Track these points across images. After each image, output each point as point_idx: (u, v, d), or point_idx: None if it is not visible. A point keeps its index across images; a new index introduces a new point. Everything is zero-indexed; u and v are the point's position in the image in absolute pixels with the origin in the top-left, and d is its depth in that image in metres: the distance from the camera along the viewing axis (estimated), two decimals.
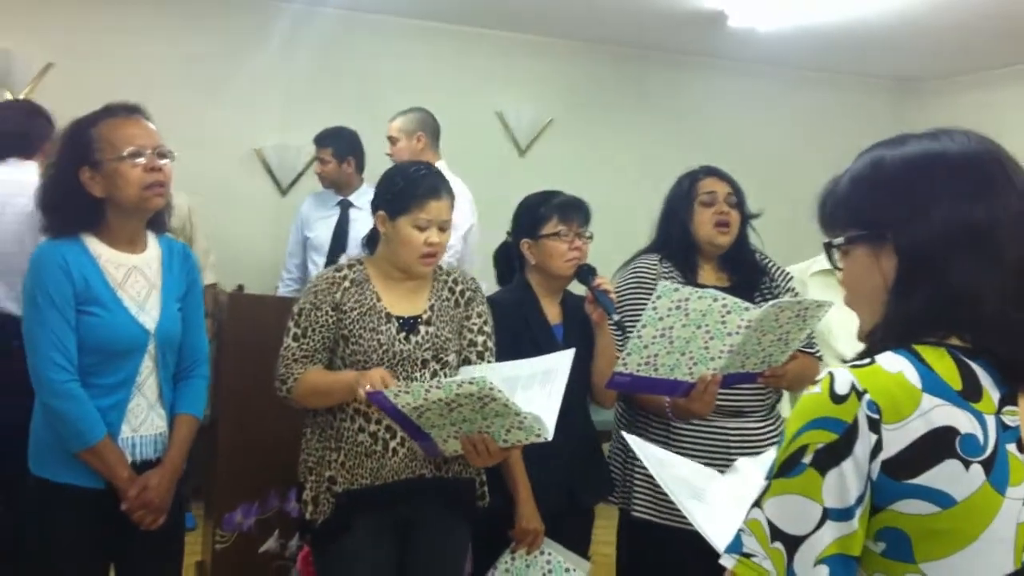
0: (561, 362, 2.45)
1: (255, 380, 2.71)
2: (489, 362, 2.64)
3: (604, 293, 2.76)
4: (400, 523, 2.55)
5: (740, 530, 1.24)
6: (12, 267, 3.57)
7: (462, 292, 2.66)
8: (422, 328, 2.55)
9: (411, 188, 2.54)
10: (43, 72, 5.22)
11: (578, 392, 2.82)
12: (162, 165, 2.44)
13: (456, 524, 2.62)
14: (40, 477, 2.44)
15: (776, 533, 1.21)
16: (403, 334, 2.53)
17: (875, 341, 1.30)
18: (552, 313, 2.88)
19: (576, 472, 2.83)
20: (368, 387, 2.30)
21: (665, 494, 2.77)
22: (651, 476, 2.80)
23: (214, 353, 2.97)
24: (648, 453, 2.16)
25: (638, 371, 2.53)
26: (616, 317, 2.77)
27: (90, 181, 2.41)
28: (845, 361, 1.29)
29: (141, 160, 2.40)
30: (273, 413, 2.70)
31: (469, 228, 3.92)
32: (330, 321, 2.52)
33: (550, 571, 2.76)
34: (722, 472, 2.20)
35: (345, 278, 2.56)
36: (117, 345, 2.42)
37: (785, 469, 1.22)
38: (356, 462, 2.49)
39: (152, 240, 2.55)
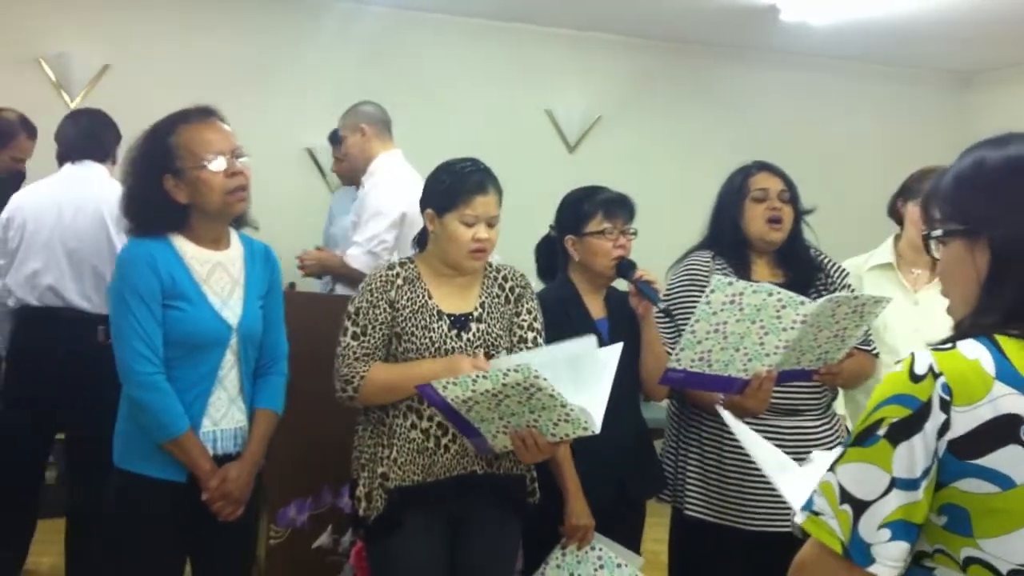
0: (608, 357, 2.43)
1: (308, 377, 2.72)
2: None
3: (647, 284, 2.74)
4: (452, 519, 2.56)
5: (814, 491, 1.36)
6: (85, 264, 3.70)
7: (512, 289, 2.66)
8: (473, 325, 2.56)
9: (457, 185, 2.54)
10: (100, 74, 5.31)
11: (627, 386, 2.81)
12: (242, 168, 2.47)
13: (507, 520, 2.63)
14: (124, 469, 2.48)
15: (845, 496, 1.32)
16: (454, 331, 2.53)
17: (963, 328, 1.39)
18: (595, 309, 2.87)
19: (626, 466, 2.81)
20: (471, 372, 2.31)
21: (718, 493, 2.79)
22: (704, 475, 2.82)
23: None
24: (740, 428, 2.16)
25: (691, 367, 2.50)
26: (662, 305, 2.76)
27: (174, 188, 2.44)
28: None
29: (222, 166, 2.43)
30: (326, 410, 2.71)
31: (401, 216, 3.87)
32: (387, 318, 2.53)
33: (601, 566, 2.76)
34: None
35: (398, 276, 2.57)
36: (200, 339, 2.45)
37: (861, 439, 1.33)
38: (408, 459, 2.50)
39: (235, 238, 2.59)
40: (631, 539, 2.88)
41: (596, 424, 2.30)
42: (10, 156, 4.31)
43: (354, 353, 2.52)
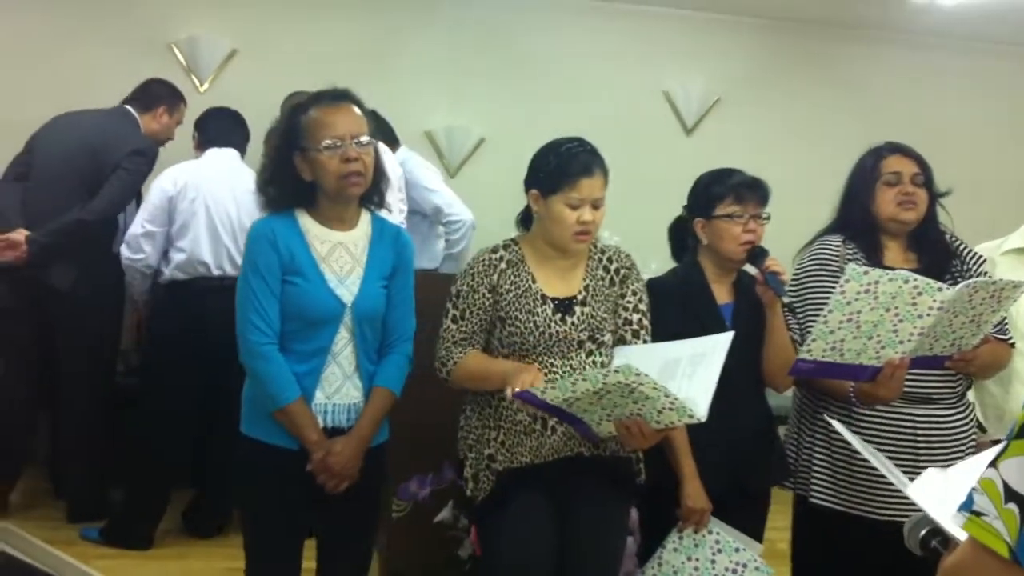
0: (718, 344, 2.40)
1: (427, 354, 2.76)
2: (645, 341, 2.62)
3: (775, 275, 2.69)
4: (559, 500, 2.56)
5: (973, 488, 1.23)
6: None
7: (617, 270, 2.64)
8: (577, 309, 2.55)
9: (564, 167, 2.52)
10: (228, 58, 5.46)
11: (749, 375, 2.78)
12: (359, 155, 2.51)
13: (614, 500, 2.62)
14: (247, 436, 2.58)
15: (1011, 494, 1.19)
16: (559, 315, 2.53)
17: None
18: (721, 293, 2.83)
19: (744, 456, 2.77)
20: (517, 387, 2.32)
21: (846, 481, 2.74)
22: (831, 462, 2.77)
23: None
24: (852, 438, 2.11)
25: (823, 357, 2.46)
26: (787, 300, 2.71)
27: (301, 164, 2.53)
28: None
29: (338, 151, 2.48)
30: (447, 387, 2.75)
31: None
32: (487, 303, 2.55)
33: (719, 550, 2.74)
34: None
35: (502, 259, 2.58)
36: (313, 314, 2.52)
37: None
38: (515, 440, 2.52)
39: (365, 218, 2.64)
40: (752, 528, 2.84)
41: (702, 411, 2.27)
42: (176, 121, 4.51)
43: (452, 337, 2.56)
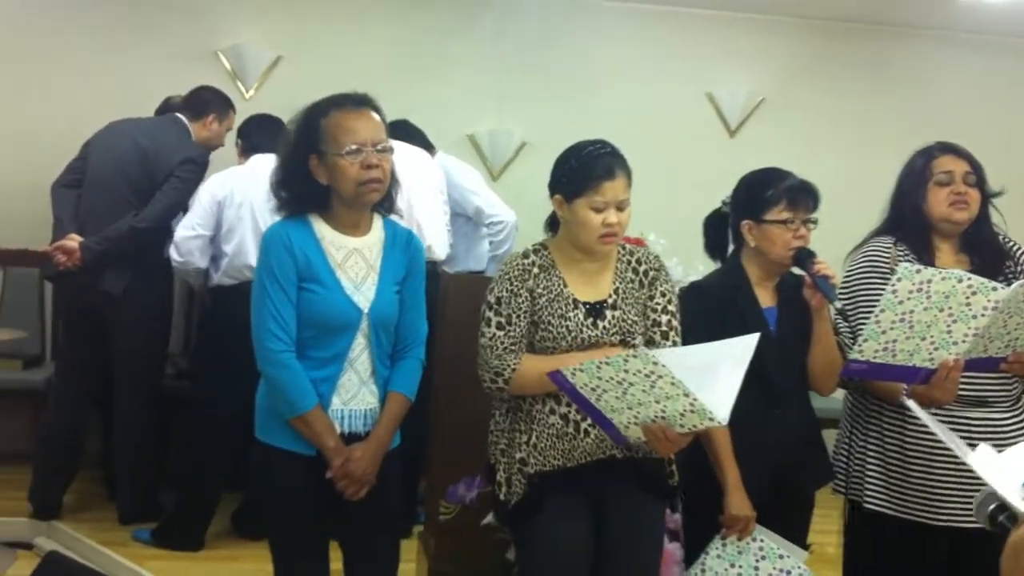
0: (746, 347, 2.34)
1: (472, 357, 2.76)
2: (675, 342, 2.59)
3: (824, 278, 2.64)
4: (593, 503, 2.55)
5: None
6: None
7: (646, 272, 2.61)
8: (608, 313, 2.53)
9: (585, 170, 2.48)
10: (273, 65, 5.52)
11: (794, 378, 2.75)
12: (379, 162, 2.50)
13: (649, 501, 2.59)
14: (262, 442, 2.58)
15: None
16: (590, 320, 2.52)
17: None
18: (765, 296, 2.79)
19: (790, 459, 2.74)
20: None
21: (900, 485, 2.71)
22: (885, 467, 2.74)
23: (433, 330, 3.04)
24: (928, 418, 2.06)
25: (875, 357, 2.43)
26: (838, 305, 2.67)
27: (317, 168, 2.51)
28: None
29: (360, 157, 2.48)
30: None
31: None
32: (528, 307, 2.53)
33: (763, 557, 2.71)
34: None
35: (534, 264, 2.57)
36: (331, 321, 2.51)
37: None
38: (548, 444, 2.51)
39: (377, 224, 2.63)
40: (796, 533, 2.80)
41: (722, 415, 2.24)
42: (226, 128, 4.58)
43: (502, 344, 2.52)
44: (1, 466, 4.80)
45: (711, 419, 2.25)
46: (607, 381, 2.26)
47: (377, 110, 2.57)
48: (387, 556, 2.70)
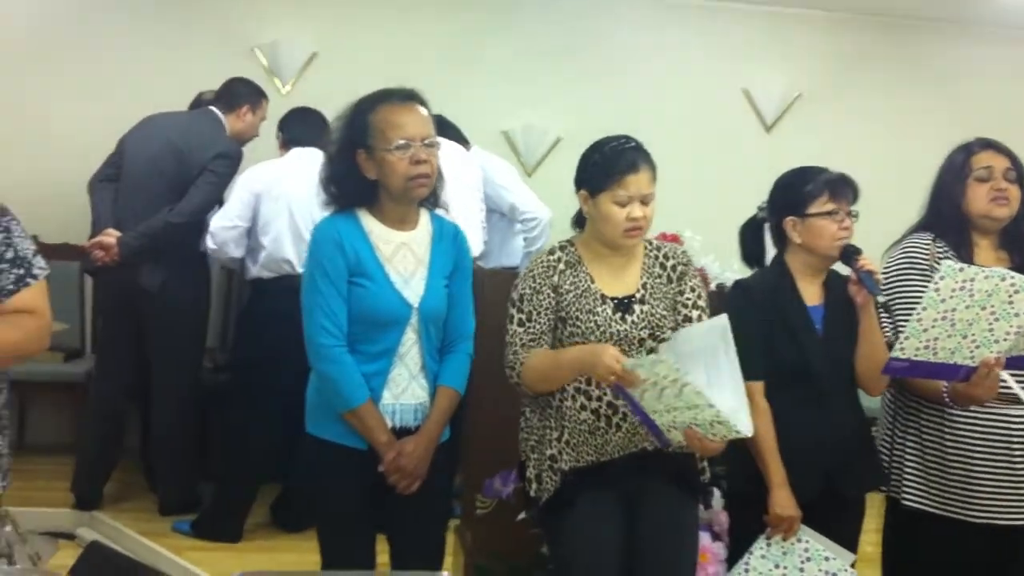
0: (723, 327, 2.34)
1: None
2: None
3: (869, 274, 2.63)
4: (625, 497, 2.54)
5: None
6: None
7: (674, 267, 2.61)
8: (636, 307, 2.53)
9: (609, 165, 2.49)
10: (309, 61, 5.56)
11: (842, 377, 2.73)
12: (427, 157, 2.52)
13: (682, 496, 2.58)
14: (313, 435, 2.61)
15: None
16: (618, 315, 2.52)
17: None
18: (810, 294, 2.77)
19: (837, 460, 2.70)
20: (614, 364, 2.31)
21: (939, 481, 2.69)
22: (923, 464, 2.73)
23: None
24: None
25: (916, 355, 2.43)
26: (882, 299, 2.65)
27: (365, 163, 2.53)
28: None
29: (408, 152, 2.50)
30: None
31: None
32: (552, 303, 2.54)
33: (808, 559, 2.68)
34: None
35: (560, 260, 2.57)
36: (381, 316, 2.54)
37: None
38: (580, 439, 2.51)
39: (424, 218, 2.65)
40: (846, 536, 2.75)
41: (745, 427, 2.26)
42: (260, 118, 4.61)
43: (520, 340, 2.54)
44: (43, 457, 4.87)
45: (737, 432, 2.28)
46: (643, 381, 2.28)
47: (424, 105, 2.58)
48: (435, 549, 2.72)
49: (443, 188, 2.68)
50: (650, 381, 2.27)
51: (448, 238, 2.66)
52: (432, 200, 2.66)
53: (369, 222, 2.57)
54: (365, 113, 2.55)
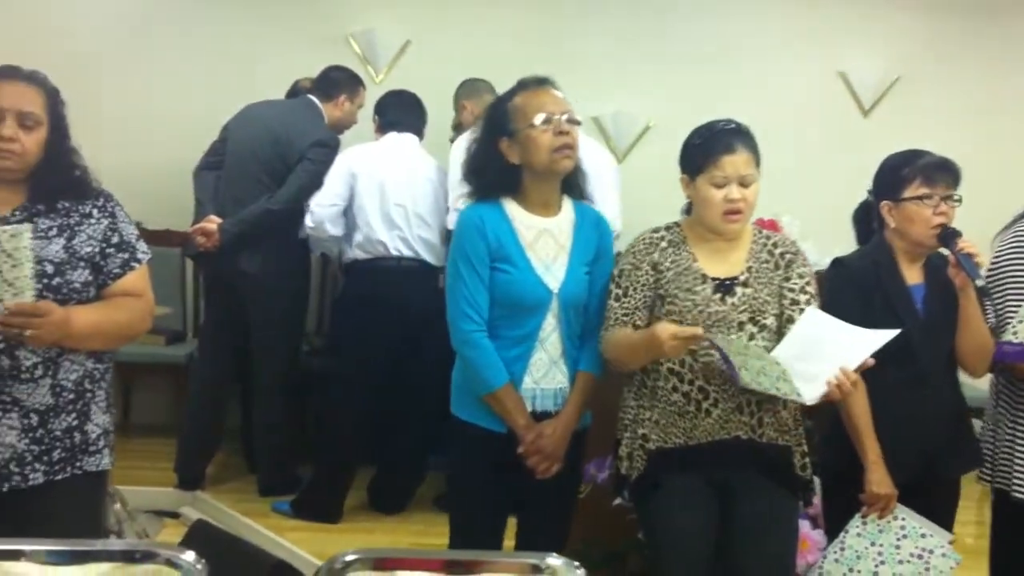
0: (875, 339, 2.35)
1: None
2: None
3: (968, 257, 2.59)
4: (716, 485, 2.53)
5: None
6: (418, 220, 4.21)
7: (782, 255, 2.59)
8: (738, 289, 2.51)
9: (705, 147, 2.49)
10: (402, 49, 5.61)
11: (941, 359, 2.70)
12: (570, 129, 2.57)
13: (776, 489, 2.55)
14: (457, 416, 2.69)
15: None
16: (719, 295, 2.50)
17: None
18: (911, 275, 2.74)
19: (934, 442, 2.69)
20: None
21: None
22: None
23: None
24: None
25: None
26: (980, 283, 2.59)
27: (508, 149, 2.60)
28: None
29: (550, 125, 2.55)
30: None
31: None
32: (650, 280, 2.54)
33: (904, 536, 2.67)
34: None
35: (663, 239, 2.58)
36: (522, 301, 2.59)
37: None
38: (669, 420, 2.52)
39: (567, 205, 2.69)
40: (942, 517, 2.75)
41: (805, 395, 2.32)
42: (357, 105, 4.68)
43: (615, 315, 2.56)
44: (147, 437, 5.02)
45: (798, 395, 2.33)
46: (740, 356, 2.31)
47: (558, 88, 2.66)
48: (561, 533, 2.76)
49: (586, 182, 2.72)
50: (736, 351, 2.32)
51: (590, 225, 2.70)
52: (576, 192, 2.71)
53: (512, 208, 2.63)
54: (504, 103, 2.65)
